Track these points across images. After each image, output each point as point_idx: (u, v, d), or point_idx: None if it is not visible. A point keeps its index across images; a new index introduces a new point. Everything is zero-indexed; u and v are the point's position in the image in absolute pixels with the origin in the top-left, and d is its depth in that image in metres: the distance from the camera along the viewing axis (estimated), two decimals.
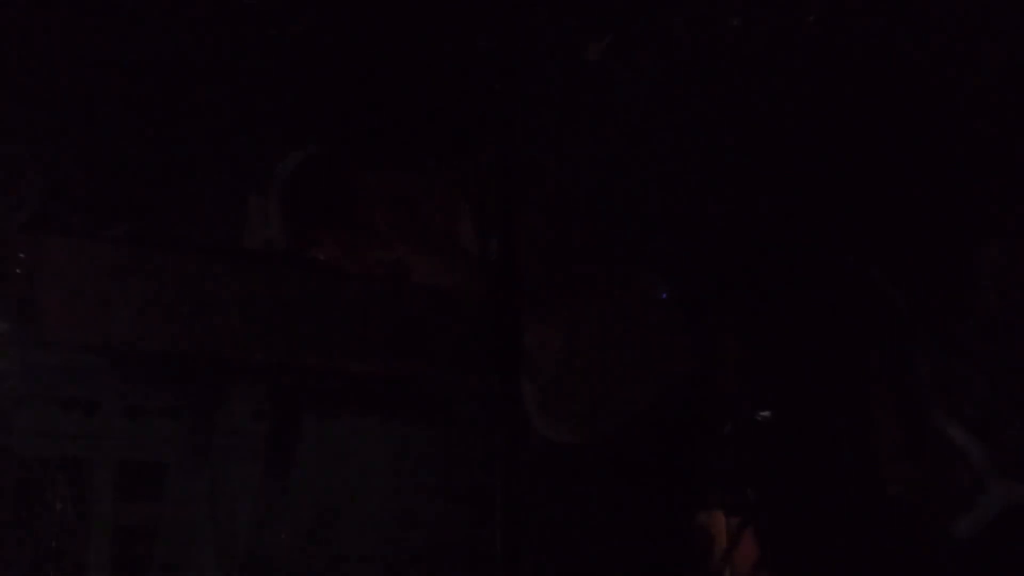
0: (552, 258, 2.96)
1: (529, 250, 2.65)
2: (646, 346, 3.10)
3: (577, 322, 3.06)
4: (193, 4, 2.87)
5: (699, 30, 4.13)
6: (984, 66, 4.26)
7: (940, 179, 4.54)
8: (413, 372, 3.08)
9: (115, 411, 3.00)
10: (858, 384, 4.85)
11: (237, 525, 3.07)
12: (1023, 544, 4.37)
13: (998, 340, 4.51)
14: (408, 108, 3.32)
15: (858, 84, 4.32)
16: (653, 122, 3.96)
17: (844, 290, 4.67)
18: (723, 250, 4.33)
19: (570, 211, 3.15)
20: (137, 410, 3.03)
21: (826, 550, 4.75)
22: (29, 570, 2.78)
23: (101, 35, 2.80)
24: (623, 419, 3.04)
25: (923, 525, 4.69)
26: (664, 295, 3.29)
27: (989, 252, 4.57)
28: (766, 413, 4.87)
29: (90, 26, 2.82)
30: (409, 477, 3.23)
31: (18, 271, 2.74)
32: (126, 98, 2.88)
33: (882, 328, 4.73)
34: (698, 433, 3.08)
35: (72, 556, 2.84)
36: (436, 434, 3.22)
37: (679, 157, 4.10)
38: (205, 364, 2.98)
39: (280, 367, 3.04)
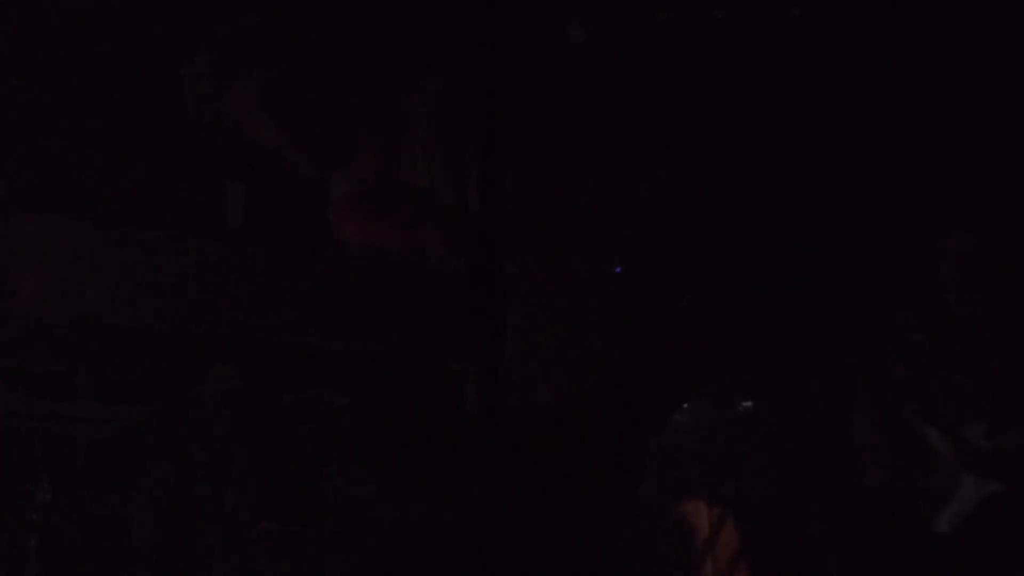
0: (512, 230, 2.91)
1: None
2: (591, 324, 3.05)
3: (524, 295, 3.02)
4: None
5: (683, 21, 4.13)
6: (948, 65, 4.29)
7: (900, 171, 4.56)
8: (390, 351, 3.05)
9: (86, 391, 2.97)
10: (835, 376, 4.86)
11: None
12: (998, 538, 4.38)
13: (960, 335, 4.53)
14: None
15: (830, 76, 4.33)
16: (628, 106, 3.95)
17: (821, 280, 4.69)
18: (694, 237, 4.33)
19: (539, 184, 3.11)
20: (108, 390, 3.00)
21: (805, 540, 4.76)
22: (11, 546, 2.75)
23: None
24: (563, 396, 3.00)
25: (900, 517, 4.70)
26: (618, 269, 3.27)
27: (947, 244, 4.58)
28: (748, 403, 4.88)
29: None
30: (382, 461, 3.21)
31: None
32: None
33: (857, 320, 4.75)
34: (645, 417, 3.05)
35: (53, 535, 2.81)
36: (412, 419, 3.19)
37: (649, 143, 4.10)
38: (178, 342, 2.95)
39: (255, 346, 3.00)
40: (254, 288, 2.95)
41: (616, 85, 3.73)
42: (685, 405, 4.90)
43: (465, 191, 2.59)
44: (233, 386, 3.07)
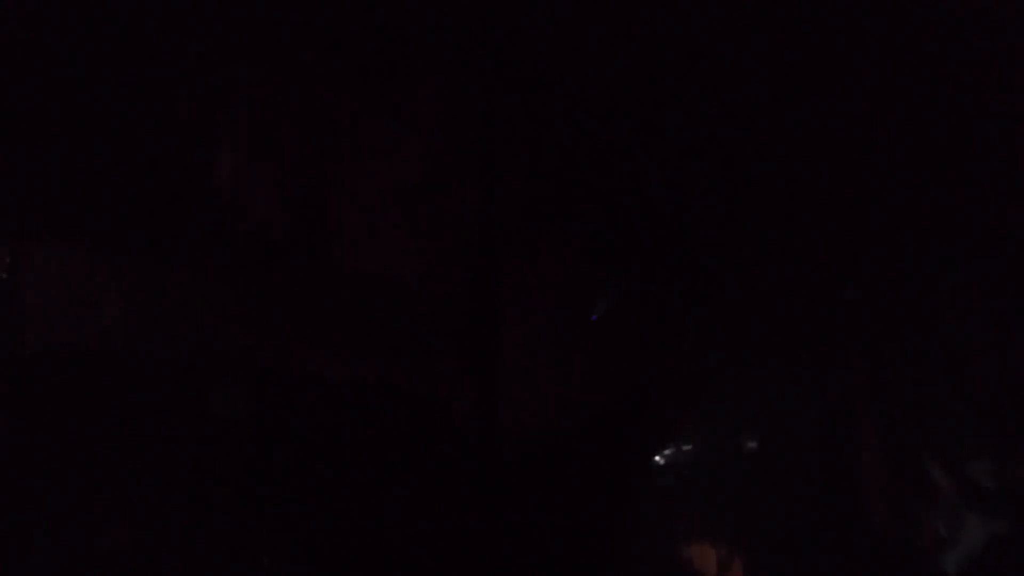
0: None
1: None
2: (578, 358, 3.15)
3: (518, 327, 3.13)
4: None
5: None
6: (949, 103, 4.34)
7: (902, 209, 4.59)
8: (387, 374, 3.13)
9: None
10: (841, 417, 4.87)
11: None
12: None
13: (963, 371, 4.54)
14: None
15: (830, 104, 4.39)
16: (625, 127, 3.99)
17: (822, 319, 4.71)
18: (693, 266, 4.37)
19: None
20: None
21: None
22: None
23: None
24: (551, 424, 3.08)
25: (906, 558, 4.69)
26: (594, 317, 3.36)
27: (948, 286, 4.61)
28: (753, 443, 4.88)
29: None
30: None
31: (1, 275, 2.81)
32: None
33: (863, 359, 4.76)
34: (630, 453, 3.13)
35: None
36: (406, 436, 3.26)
37: (649, 166, 4.14)
38: (184, 366, 3.03)
39: (259, 370, 3.08)
40: (257, 315, 3.05)
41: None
42: (688, 446, 4.91)
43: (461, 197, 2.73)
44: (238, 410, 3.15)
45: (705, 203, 4.22)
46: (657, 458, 4.87)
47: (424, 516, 3.18)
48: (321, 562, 3.17)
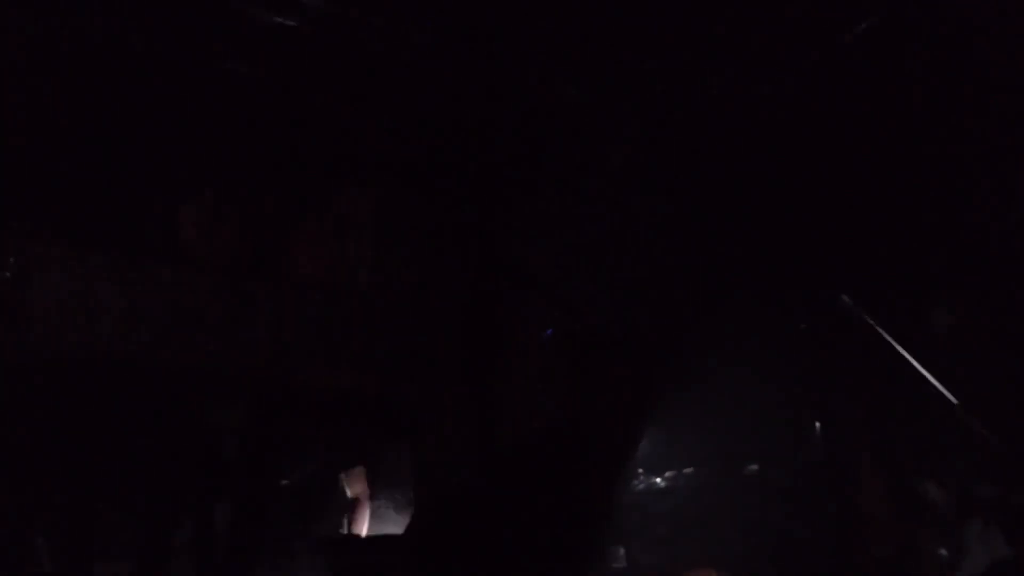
0: None
1: None
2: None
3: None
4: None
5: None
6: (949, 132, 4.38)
7: (896, 239, 4.60)
8: (385, 385, 3.18)
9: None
10: (842, 444, 4.87)
11: None
12: None
13: (963, 396, 4.54)
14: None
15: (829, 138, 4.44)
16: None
17: (818, 340, 4.72)
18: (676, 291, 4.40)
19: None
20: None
21: None
22: None
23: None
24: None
25: None
26: (549, 332, 3.42)
27: (940, 314, 4.62)
28: (754, 467, 4.89)
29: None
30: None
31: (7, 276, 2.87)
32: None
33: (863, 386, 4.77)
34: (575, 480, 3.20)
35: None
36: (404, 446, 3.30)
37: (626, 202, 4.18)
38: (185, 375, 3.07)
39: (260, 381, 3.13)
40: (258, 325, 3.11)
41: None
42: (688, 470, 4.92)
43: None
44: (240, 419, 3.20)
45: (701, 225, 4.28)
46: (659, 480, 4.88)
47: (420, 521, 3.21)
48: (319, 564, 3.20)
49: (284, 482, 3.36)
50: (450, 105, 3.42)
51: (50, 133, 3.07)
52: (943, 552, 4.52)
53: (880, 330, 4.51)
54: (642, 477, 4.83)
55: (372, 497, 3.56)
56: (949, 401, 4.59)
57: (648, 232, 4.17)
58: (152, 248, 3.11)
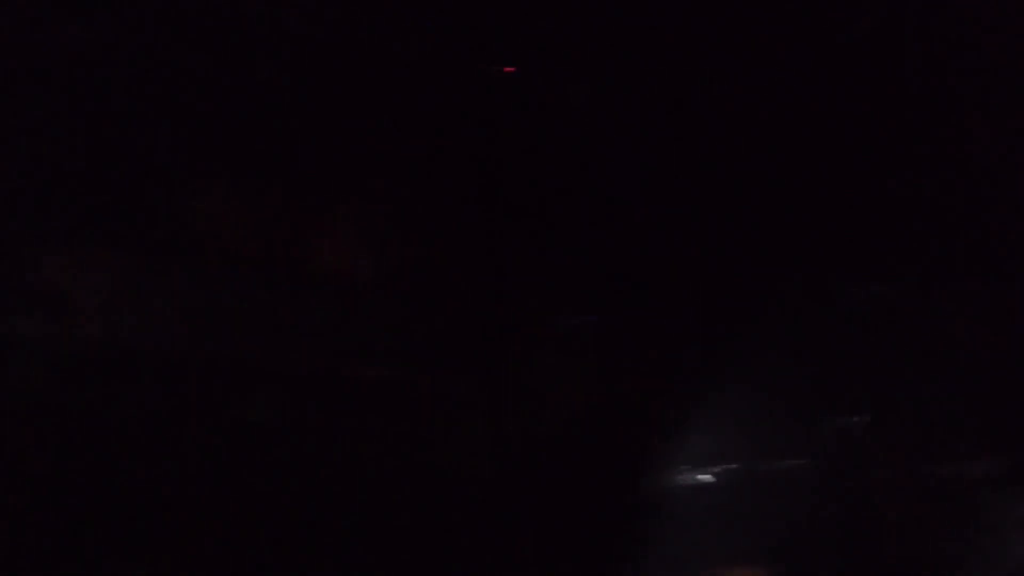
0: None
1: None
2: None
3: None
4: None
5: None
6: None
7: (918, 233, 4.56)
8: (403, 376, 3.23)
9: None
10: (869, 439, 4.83)
11: None
12: None
13: (977, 389, 4.49)
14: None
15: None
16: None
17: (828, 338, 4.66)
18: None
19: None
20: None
21: None
22: None
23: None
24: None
25: None
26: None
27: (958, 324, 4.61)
28: (788, 462, 4.85)
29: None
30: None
31: (55, 274, 3.00)
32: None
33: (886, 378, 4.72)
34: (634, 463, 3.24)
35: None
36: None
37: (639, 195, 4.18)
38: (220, 369, 3.17)
39: (295, 373, 3.21)
40: (289, 317, 3.20)
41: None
42: (722, 466, 4.89)
43: None
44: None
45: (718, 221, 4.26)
46: (693, 477, 4.86)
47: (437, 515, 3.26)
48: (339, 559, 3.26)
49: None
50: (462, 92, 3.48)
51: (86, 134, 3.19)
52: (965, 547, 4.48)
53: (905, 318, 4.48)
54: (675, 473, 4.82)
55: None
56: (973, 395, 4.56)
57: (675, 214, 4.14)
58: (188, 245, 3.22)
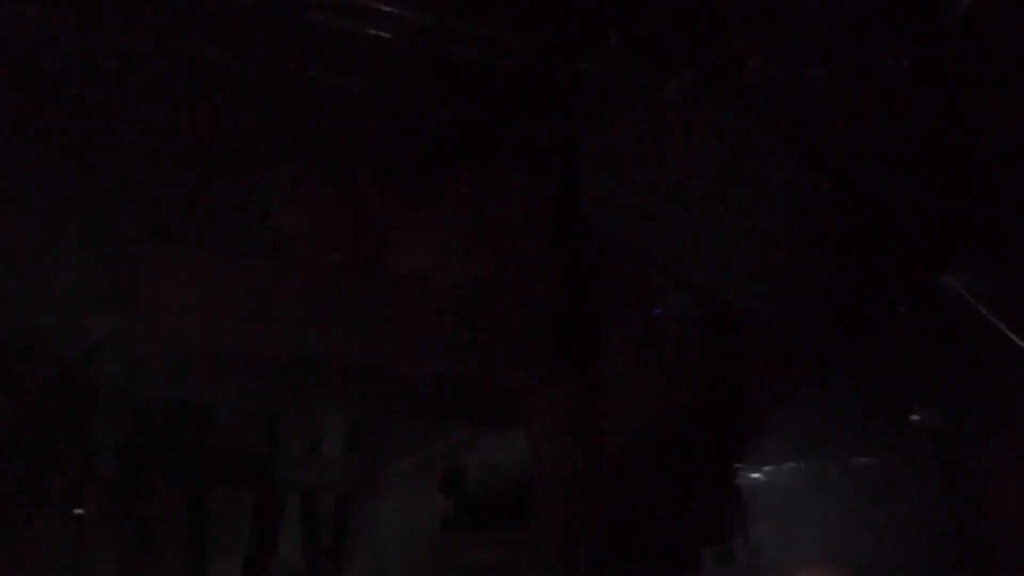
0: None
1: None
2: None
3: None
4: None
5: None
6: None
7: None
8: (489, 373, 3.20)
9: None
10: (960, 436, 4.70)
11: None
12: None
13: None
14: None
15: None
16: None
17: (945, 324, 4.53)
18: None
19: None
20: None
21: None
22: None
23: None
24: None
25: None
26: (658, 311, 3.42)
27: None
28: (869, 460, 4.75)
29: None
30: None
31: (137, 274, 3.00)
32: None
33: (994, 374, 4.57)
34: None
35: None
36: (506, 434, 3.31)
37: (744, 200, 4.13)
38: (299, 367, 3.14)
39: (368, 372, 3.18)
40: (363, 316, 3.15)
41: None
42: (798, 463, 4.80)
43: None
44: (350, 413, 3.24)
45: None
46: (764, 475, 4.76)
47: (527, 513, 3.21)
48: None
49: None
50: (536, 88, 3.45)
51: (170, 143, 3.18)
52: None
53: (990, 316, 4.35)
54: (751, 470, 4.73)
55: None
56: None
57: (776, 203, 4.10)
58: (265, 247, 3.23)
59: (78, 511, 3.04)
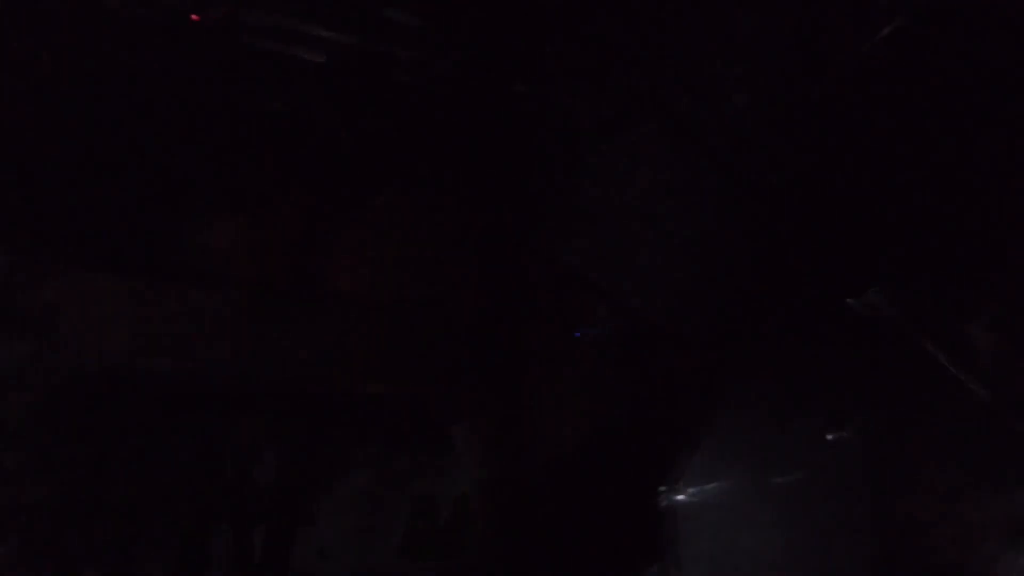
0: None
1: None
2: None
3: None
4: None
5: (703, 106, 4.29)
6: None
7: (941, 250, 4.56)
8: (412, 391, 3.18)
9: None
10: (885, 452, 4.79)
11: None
12: None
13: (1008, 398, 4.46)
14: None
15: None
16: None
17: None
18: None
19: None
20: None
21: None
22: None
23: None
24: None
25: None
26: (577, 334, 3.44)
27: (980, 325, 4.56)
28: (789, 476, 4.80)
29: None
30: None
31: (42, 300, 2.91)
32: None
33: (900, 391, 4.69)
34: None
35: None
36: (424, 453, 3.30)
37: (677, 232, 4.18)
38: (210, 391, 3.09)
39: (283, 394, 3.13)
40: (288, 338, 3.11)
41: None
42: (718, 483, 4.84)
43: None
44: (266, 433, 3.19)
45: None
46: (687, 496, 4.81)
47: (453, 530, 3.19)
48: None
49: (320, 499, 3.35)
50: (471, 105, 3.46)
51: (73, 160, 3.12)
52: (998, 563, 4.44)
53: (915, 332, 4.45)
54: (672, 491, 4.77)
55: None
56: (992, 406, 4.52)
57: (703, 221, 4.15)
58: (180, 269, 3.15)
59: None
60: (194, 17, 3.13)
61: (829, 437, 4.83)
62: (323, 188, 3.40)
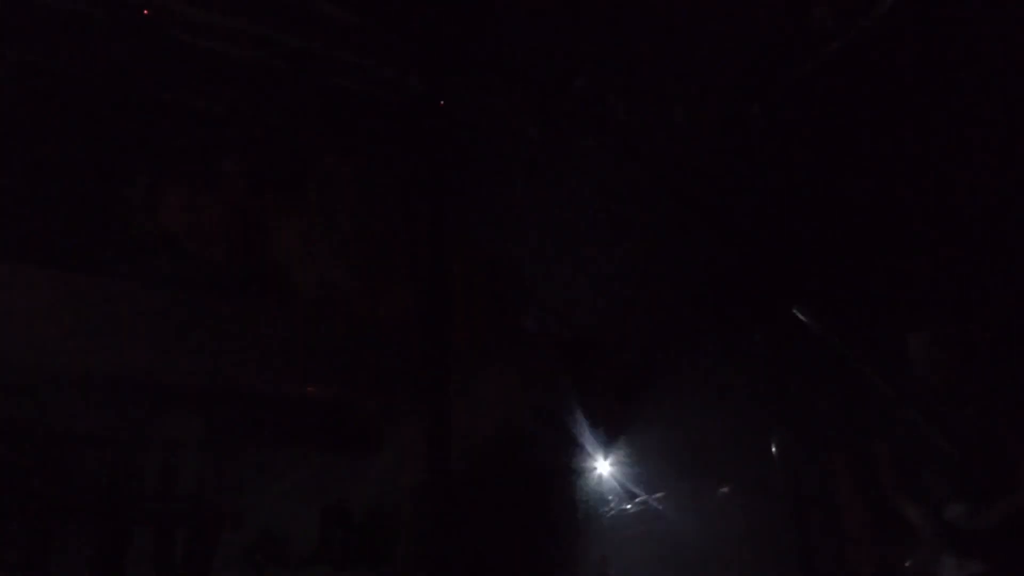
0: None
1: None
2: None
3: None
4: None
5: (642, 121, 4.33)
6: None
7: (874, 265, 4.62)
8: (344, 397, 3.15)
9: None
10: (815, 463, 4.85)
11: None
12: None
13: (938, 414, 4.53)
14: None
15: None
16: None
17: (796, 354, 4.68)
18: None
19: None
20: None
21: None
22: None
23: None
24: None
25: None
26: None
27: (919, 339, 4.63)
28: (724, 489, 4.85)
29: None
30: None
31: None
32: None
33: (842, 404, 4.75)
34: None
35: None
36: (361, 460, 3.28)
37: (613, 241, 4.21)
38: (134, 387, 3.04)
39: (215, 394, 3.10)
40: (215, 337, 3.08)
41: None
42: (660, 494, 4.86)
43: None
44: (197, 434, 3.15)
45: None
46: (631, 505, 4.82)
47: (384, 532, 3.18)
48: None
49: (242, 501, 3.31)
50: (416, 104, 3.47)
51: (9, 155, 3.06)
52: (918, 567, 4.48)
53: (846, 347, 4.51)
54: (614, 502, 4.77)
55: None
56: (919, 417, 4.58)
57: (635, 232, 4.18)
58: (111, 262, 3.11)
59: None
60: (145, 12, 3.12)
61: (767, 446, 4.89)
62: (256, 184, 3.39)
